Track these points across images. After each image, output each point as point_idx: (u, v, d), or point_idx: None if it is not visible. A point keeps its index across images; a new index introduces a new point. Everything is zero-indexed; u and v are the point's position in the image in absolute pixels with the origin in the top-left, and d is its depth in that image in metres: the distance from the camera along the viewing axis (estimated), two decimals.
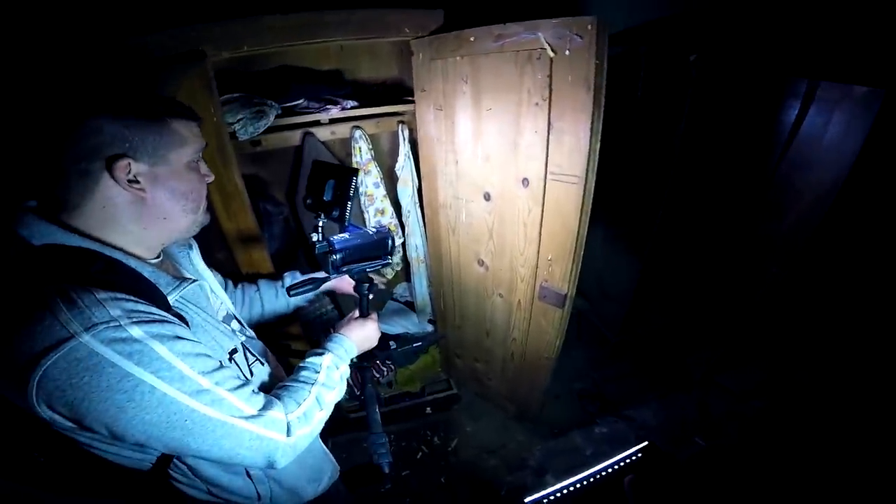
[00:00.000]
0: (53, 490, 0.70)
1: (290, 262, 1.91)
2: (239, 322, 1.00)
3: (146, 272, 0.72)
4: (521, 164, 1.49)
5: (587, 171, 1.32)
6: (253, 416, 0.70)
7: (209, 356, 0.71)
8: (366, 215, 2.12)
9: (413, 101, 1.72)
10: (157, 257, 0.80)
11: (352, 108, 1.76)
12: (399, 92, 1.93)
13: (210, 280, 0.97)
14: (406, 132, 1.99)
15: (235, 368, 0.81)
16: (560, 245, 1.51)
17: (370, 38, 1.55)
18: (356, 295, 1.14)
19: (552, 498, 0.99)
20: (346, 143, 1.97)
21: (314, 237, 1.09)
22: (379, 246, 1.10)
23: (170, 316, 0.68)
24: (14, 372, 0.56)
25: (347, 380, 0.96)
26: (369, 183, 2.03)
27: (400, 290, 2.75)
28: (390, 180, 2.17)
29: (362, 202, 2.09)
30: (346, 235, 1.08)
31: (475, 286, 1.96)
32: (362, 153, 1.94)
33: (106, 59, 1.20)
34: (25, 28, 1.25)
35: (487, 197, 1.67)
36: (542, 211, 1.50)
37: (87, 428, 0.60)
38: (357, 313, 1.12)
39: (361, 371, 1.16)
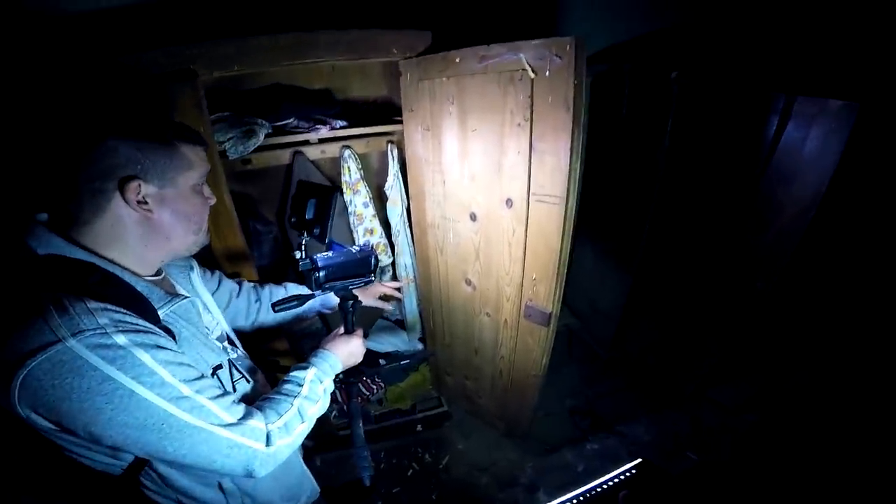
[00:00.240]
0: (27, 493, 0.71)
1: (280, 281, 1.91)
2: (232, 342, 1.02)
3: (140, 287, 0.74)
4: (505, 185, 1.50)
5: (568, 191, 1.33)
6: (232, 424, 0.71)
7: (192, 366, 0.72)
8: (355, 235, 2.11)
9: (402, 121, 1.75)
10: (157, 274, 0.83)
11: (341, 127, 1.79)
12: (389, 111, 1.94)
13: (207, 300, 1.00)
14: (395, 152, 2.01)
15: (217, 382, 0.82)
16: (544, 265, 1.52)
17: (359, 58, 1.58)
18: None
19: None
20: (336, 163, 1.99)
21: (297, 255, 1.10)
22: (362, 264, 1.11)
23: (156, 328, 0.70)
24: (0, 371, 0.58)
25: (337, 397, 0.96)
26: (359, 202, 2.03)
27: (390, 308, 2.74)
28: (380, 200, 2.18)
29: (351, 222, 2.08)
30: (329, 253, 1.09)
31: (463, 305, 1.97)
32: (351, 173, 1.95)
33: (106, 75, 1.23)
34: (30, 43, 1.28)
35: (473, 217, 1.68)
36: (526, 231, 1.51)
37: (66, 429, 0.62)
38: (342, 329, 1.13)
39: (348, 386, 1.16)
